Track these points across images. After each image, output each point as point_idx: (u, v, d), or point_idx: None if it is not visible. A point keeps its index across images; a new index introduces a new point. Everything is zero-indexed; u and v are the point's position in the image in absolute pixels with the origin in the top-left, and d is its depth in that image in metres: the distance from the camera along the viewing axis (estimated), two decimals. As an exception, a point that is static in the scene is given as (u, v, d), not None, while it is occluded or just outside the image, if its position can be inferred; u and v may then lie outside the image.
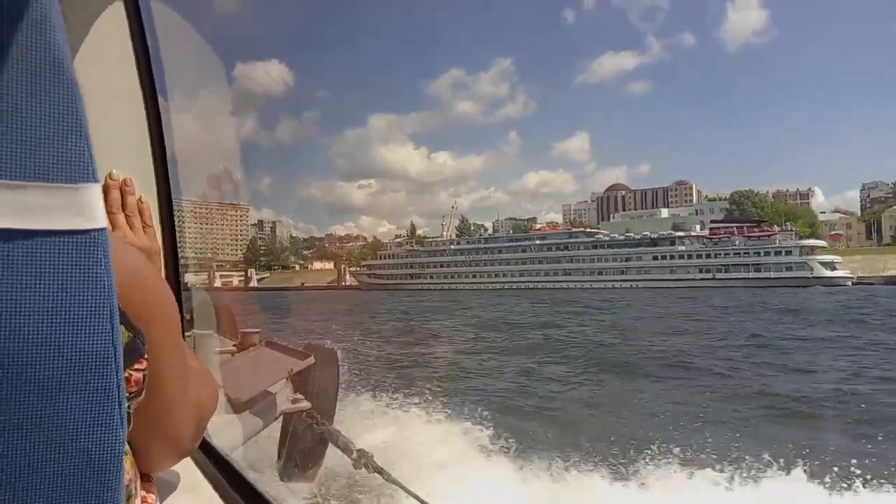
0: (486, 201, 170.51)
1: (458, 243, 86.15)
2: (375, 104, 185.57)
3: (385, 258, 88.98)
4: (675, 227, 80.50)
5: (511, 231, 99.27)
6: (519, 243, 78.92)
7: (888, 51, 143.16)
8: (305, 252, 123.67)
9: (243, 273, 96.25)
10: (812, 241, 65.25)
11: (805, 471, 4.39)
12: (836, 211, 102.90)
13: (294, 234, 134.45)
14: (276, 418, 2.85)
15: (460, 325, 20.04)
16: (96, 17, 1.22)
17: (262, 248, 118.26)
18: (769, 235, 65.95)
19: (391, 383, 7.62)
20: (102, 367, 0.35)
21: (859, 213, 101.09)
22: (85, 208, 0.34)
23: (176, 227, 1.50)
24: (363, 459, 2.59)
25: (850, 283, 56.84)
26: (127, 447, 0.57)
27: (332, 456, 3.09)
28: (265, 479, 2.76)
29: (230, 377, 2.60)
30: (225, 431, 2.15)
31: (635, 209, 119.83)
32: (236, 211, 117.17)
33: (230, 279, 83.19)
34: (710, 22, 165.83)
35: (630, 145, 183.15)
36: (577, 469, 4.67)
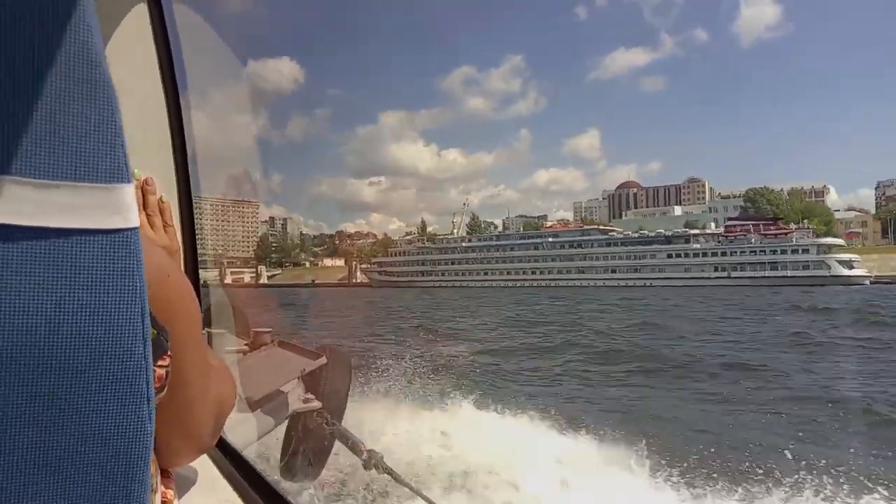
0: (496, 199, 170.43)
1: (470, 241, 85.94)
2: (387, 101, 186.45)
3: (396, 255, 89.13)
4: (689, 225, 79.77)
5: (522, 228, 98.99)
6: (531, 241, 78.54)
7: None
8: (316, 249, 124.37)
9: (254, 270, 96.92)
10: (830, 240, 64.14)
11: None
12: (850, 209, 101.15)
13: (304, 231, 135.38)
14: (287, 417, 2.88)
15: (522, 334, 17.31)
16: (121, 17, 1.24)
17: (274, 244, 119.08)
18: (786, 233, 65.07)
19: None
20: (134, 363, 0.35)
21: (874, 212, 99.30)
22: (120, 207, 0.35)
23: (196, 227, 1.52)
24: (373, 460, 2.60)
25: (867, 281, 55.91)
26: None
27: (343, 456, 3.11)
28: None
29: (243, 376, 2.62)
30: (237, 429, 2.18)
31: (647, 207, 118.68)
32: (247, 208, 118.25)
33: (241, 276, 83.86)
34: (723, 17, 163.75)
35: (641, 143, 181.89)
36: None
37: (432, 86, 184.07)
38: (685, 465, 4.73)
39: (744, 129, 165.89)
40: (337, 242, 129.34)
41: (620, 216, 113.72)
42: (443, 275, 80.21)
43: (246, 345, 3.13)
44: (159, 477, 0.63)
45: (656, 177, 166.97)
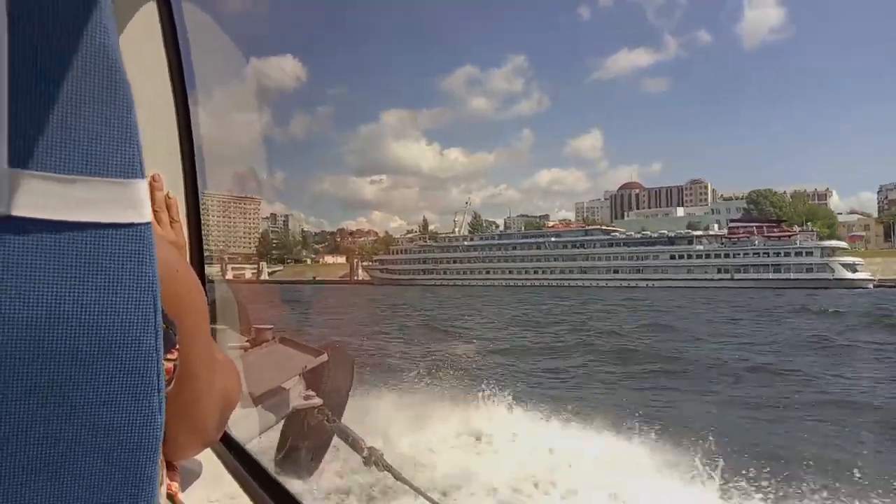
0: (498, 198, 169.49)
1: (472, 239, 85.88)
2: (389, 100, 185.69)
3: (398, 253, 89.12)
4: (691, 227, 79.48)
5: (523, 228, 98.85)
6: (534, 240, 78.49)
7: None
8: (317, 246, 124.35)
9: (255, 266, 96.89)
10: (834, 243, 64.04)
11: None
12: (852, 212, 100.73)
13: (306, 228, 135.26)
14: (288, 413, 2.88)
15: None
16: (132, 15, 1.25)
17: (275, 241, 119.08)
18: (790, 236, 64.84)
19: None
20: (145, 355, 0.36)
21: (876, 215, 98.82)
22: (134, 202, 0.36)
23: (202, 223, 1.53)
24: (373, 457, 2.61)
25: (871, 285, 55.58)
26: None
27: (344, 453, 3.11)
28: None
29: (245, 372, 2.63)
30: (241, 424, 2.19)
31: (649, 207, 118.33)
32: (249, 204, 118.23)
33: (242, 272, 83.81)
34: (726, 19, 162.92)
35: (643, 143, 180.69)
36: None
37: (434, 85, 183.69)
38: (748, 473, 4.45)
39: (746, 130, 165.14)
40: (338, 240, 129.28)
41: (622, 217, 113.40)
42: (445, 273, 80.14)
43: (247, 341, 3.14)
44: (165, 469, 0.64)
45: (658, 178, 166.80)
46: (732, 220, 76.97)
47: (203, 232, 1.65)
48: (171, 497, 0.66)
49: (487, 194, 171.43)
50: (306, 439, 3.06)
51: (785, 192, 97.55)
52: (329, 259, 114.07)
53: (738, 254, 63.62)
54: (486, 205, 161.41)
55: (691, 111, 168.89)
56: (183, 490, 0.82)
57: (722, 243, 66.81)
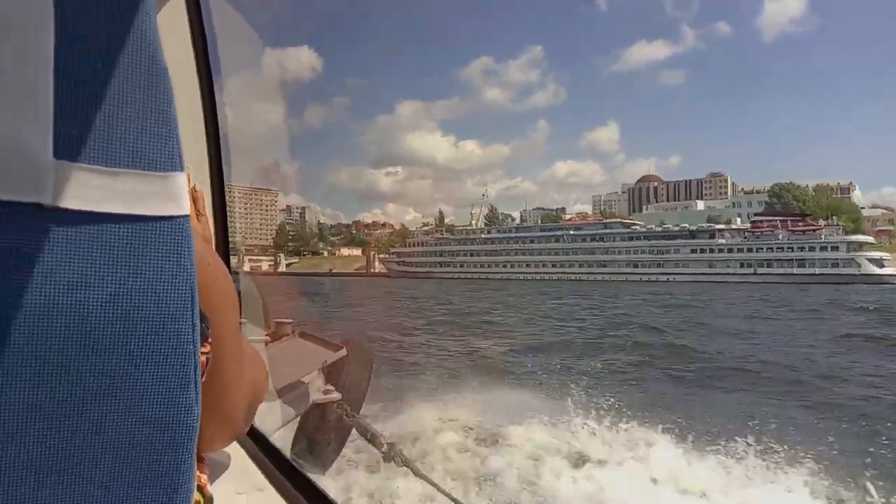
0: (513, 190, 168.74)
1: (489, 232, 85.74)
2: (404, 91, 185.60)
3: (415, 246, 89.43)
4: (711, 220, 78.18)
5: (540, 221, 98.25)
6: (552, 233, 78.02)
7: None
8: (333, 238, 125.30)
9: (272, 258, 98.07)
10: (860, 237, 62.45)
11: None
12: (874, 206, 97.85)
13: (322, 221, 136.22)
14: (307, 407, 2.91)
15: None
16: (160, 6, 1.24)
17: (291, 233, 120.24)
18: (815, 230, 63.36)
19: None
20: (183, 347, 0.36)
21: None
22: (174, 195, 0.36)
23: (228, 216, 1.53)
24: (392, 453, 2.62)
25: (897, 280, 54.29)
26: None
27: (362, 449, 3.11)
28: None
29: (267, 365, 2.64)
30: (263, 417, 2.21)
31: (668, 201, 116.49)
32: (266, 196, 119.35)
33: (259, 264, 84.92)
34: (745, 10, 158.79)
35: (660, 136, 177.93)
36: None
37: (451, 76, 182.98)
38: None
39: (765, 123, 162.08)
40: (354, 232, 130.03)
41: (641, 210, 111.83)
42: (462, 266, 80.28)
43: (267, 335, 3.17)
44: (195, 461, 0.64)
45: (676, 171, 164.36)
46: (756, 214, 75.55)
47: (230, 226, 1.65)
48: (200, 489, 0.67)
49: (503, 186, 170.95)
50: (325, 433, 3.08)
51: (807, 186, 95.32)
52: (345, 251, 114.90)
53: (762, 248, 62.40)
54: (501, 197, 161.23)
55: (710, 103, 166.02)
56: (211, 482, 0.82)
57: (745, 237, 65.71)
